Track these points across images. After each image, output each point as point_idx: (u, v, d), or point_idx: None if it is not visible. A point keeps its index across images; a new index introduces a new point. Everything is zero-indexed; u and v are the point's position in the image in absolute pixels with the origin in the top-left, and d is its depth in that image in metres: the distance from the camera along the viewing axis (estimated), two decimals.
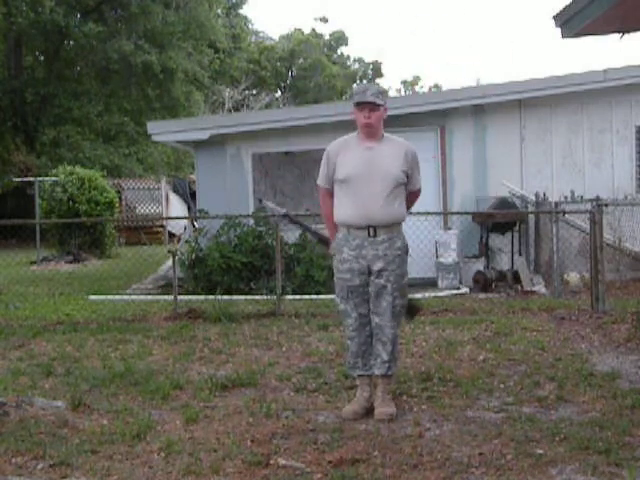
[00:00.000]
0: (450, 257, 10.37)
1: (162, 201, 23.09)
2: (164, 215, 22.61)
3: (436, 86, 50.87)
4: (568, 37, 5.48)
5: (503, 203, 10.28)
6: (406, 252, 4.59)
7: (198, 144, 11.71)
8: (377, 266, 4.47)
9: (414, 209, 8.00)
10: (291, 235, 10.55)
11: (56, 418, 4.50)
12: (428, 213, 9.78)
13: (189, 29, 29.20)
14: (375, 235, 4.48)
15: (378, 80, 49.59)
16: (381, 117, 4.52)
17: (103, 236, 17.50)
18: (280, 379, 5.38)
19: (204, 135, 11.35)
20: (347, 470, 3.55)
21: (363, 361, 4.59)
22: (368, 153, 4.51)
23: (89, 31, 26.17)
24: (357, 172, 4.47)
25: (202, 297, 9.18)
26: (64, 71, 28.98)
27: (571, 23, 5.32)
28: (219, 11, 37.20)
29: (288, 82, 45.64)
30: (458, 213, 10.79)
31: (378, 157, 4.49)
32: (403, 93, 50.62)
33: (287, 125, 11.26)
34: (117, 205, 18.58)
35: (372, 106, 4.47)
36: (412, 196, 4.71)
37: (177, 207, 23.50)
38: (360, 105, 4.49)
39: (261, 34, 47.35)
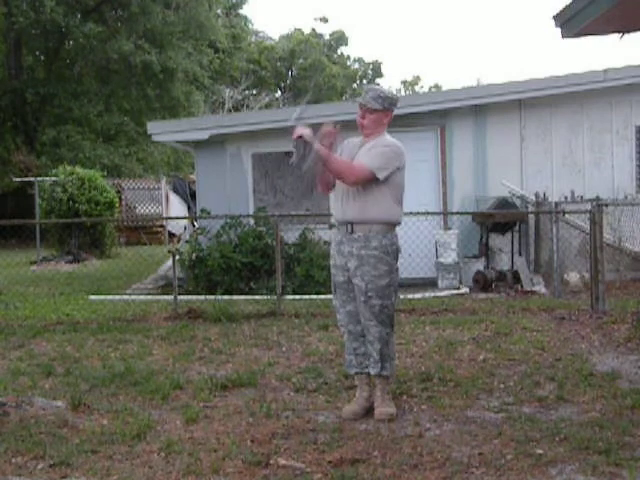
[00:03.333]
0: (450, 257, 10.37)
1: (162, 201, 23.09)
2: (164, 215, 22.62)
3: (436, 86, 50.89)
4: (568, 37, 5.47)
5: (503, 203, 10.28)
6: (386, 252, 4.44)
7: (198, 144, 11.72)
8: (352, 264, 4.46)
9: (414, 209, 7.97)
10: (291, 235, 10.56)
11: (56, 418, 4.50)
12: (428, 213, 9.80)
13: (189, 29, 29.21)
14: (352, 232, 4.47)
15: (378, 80, 49.58)
16: (377, 120, 4.51)
17: (103, 236, 17.50)
18: (280, 379, 5.38)
19: (204, 135, 11.36)
20: (347, 470, 3.55)
21: (357, 359, 4.59)
22: (353, 151, 4.55)
23: (89, 31, 26.17)
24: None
25: (202, 297, 9.18)
26: (64, 71, 28.97)
27: (571, 23, 5.31)
28: (219, 11, 37.18)
29: (288, 82, 45.65)
30: (458, 213, 10.79)
31: (361, 150, 4.51)
32: (403, 93, 50.64)
33: (287, 125, 11.21)
34: (117, 205, 18.58)
35: (367, 108, 4.50)
36: (350, 165, 4.42)
37: (177, 207, 23.50)
38: (359, 105, 4.56)
39: (261, 34, 47.32)
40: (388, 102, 4.53)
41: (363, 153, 4.49)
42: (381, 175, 4.40)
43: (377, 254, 4.43)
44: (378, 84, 47.41)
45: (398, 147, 4.52)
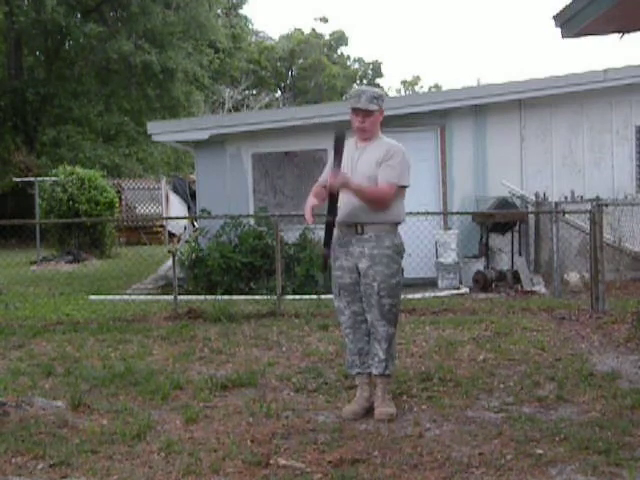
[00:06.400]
0: (450, 257, 10.37)
1: (162, 201, 23.08)
2: (164, 215, 22.62)
3: (436, 86, 50.90)
4: (568, 37, 5.47)
5: (503, 203, 10.28)
6: (397, 252, 4.52)
7: (198, 144, 11.72)
8: (363, 264, 4.46)
9: (414, 209, 7.94)
10: (291, 235, 10.55)
11: (56, 418, 4.50)
12: (428, 213, 9.79)
13: (189, 29, 29.22)
14: (362, 232, 4.47)
15: (378, 80, 49.57)
16: (375, 121, 4.54)
17: (103, 236, 17.50)
18: (280, 379, 5.38)
19: (204, 135, 11.36)
20: (347, 470, 3.55)
21: (360, 359, 4.60)
22: (356, 153, 4.56)
23: (89, 31, 26.20)
24: (344, 171, 4.48)
25: (202, 297, 9.18)
26: (64, 71, 28.98)
27: (571, 23, 5.31)
28: (219, 11, 37.18)
29: (288, 82, 45.64)
30: (458, 213, 10.79)
31: (363, 157, 4.52)
32: (403, 93, 50.61)
33: (287, 125, 11.26)
34: (117, 205, 18.58)
35: (366, 112, 4.50)
36: (379, 188, 4.43)
37: (177, 207, 23.50)
38: (355, 110, 4.53)
39: (261, 34, 47.33)
40: (381, 101, 4.57)
41: (369, 160, 4.48)
42: (407, 181, 4.50)
43: (390, 253, 4.47)
44: (377, 86, 47.40)
45: (401, 147, 4.57)
